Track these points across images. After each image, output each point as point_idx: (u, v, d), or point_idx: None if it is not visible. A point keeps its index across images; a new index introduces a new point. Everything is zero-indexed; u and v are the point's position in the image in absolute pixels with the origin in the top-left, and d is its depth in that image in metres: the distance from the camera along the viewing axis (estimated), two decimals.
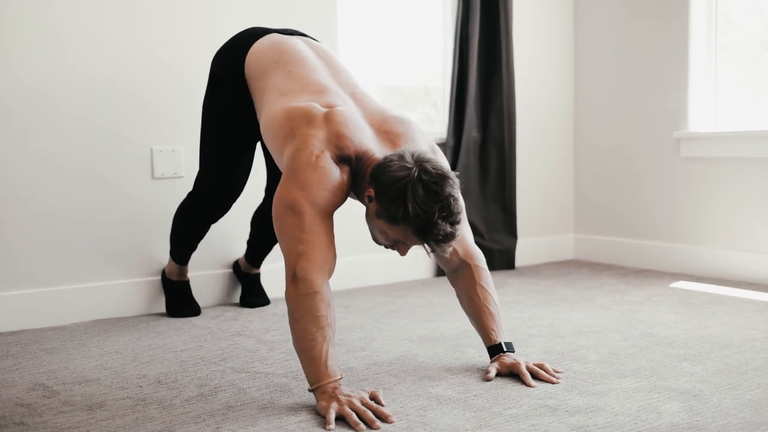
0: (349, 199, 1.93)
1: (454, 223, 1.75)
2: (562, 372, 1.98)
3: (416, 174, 1.72)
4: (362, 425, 1.61)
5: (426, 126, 3.65)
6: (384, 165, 1.78)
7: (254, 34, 2.27)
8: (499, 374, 1.95)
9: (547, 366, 1.96)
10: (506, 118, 3.60)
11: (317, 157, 1.79)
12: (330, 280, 1.83)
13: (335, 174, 1.81)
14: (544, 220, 3.91)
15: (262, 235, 2.72)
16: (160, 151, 2.81)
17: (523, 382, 1.89)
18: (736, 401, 1.75)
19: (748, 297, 2.92)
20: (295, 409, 1.74)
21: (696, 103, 3.44)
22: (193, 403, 1.79)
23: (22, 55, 2.56)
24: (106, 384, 1.95)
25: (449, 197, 1.73)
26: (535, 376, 1.92)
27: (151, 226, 2.80)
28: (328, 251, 1.79)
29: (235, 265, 2.96)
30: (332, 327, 1.76)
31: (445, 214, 1.72)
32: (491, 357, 1.99)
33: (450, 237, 1.75)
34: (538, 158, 3.87)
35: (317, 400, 1.71)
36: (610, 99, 3.80)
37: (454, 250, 1.98)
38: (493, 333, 2.00)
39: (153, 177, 2.81)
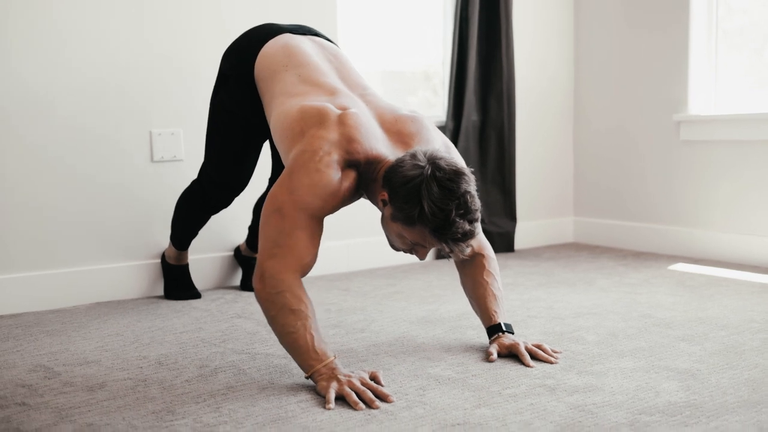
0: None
1: (473, 221, 1.70)
2: (560, 352, 1.99)
3: (429, 172, 1.68)
4: (362, 405, 1.62)
5: (426, 110, 3.65)
6: (396, 166, 1.75)
7: (265, 33, 2.20)
8: (498, 355, 1.96)
9: (546, 346, 1.97)
10: (506, 101, 3.59)
11: (320, 160, 1.75)
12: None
13: (332, 181, 1.76)
14: (543, 203, 3.91)
15: None
16: (159, 134, 2.81)
17: (522, 363, 1.90)
18: (733, 380, 1.76)
19: (746, 279, 2.92)
20: (295, 389, 1.75)
21: (696, 87, 3.43)
22: (193, 384, 1.80)
23: (21, 41, 2.55)
24: (107, 365, 1.96)
25: (466, 194, 1.69)
26: (534, 357, 1.93)
27: (151, 209, 2.81)
28: (305, 255, 1.77)
29: (236, 250, 2.96)
30: (312, 315, 1.75)
31: (462, 211, 1.68)
32: (490, 337, 2.00)
33: (469, 235, 1.71)
34: (537, 141, 3.86)
35: (316, 383, 1.72)
36: (610, 82, 3.79)
37: None
38: (494, 314, 2.01)
39: (152, 160, 2.81)
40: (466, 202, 1.69)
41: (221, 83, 2.30)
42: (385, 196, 1.76)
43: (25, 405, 1.67)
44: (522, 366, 1.89)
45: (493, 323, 2.01)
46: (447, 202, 1.67)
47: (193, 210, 2.54)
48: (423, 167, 1.70)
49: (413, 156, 1.74)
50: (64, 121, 2.64)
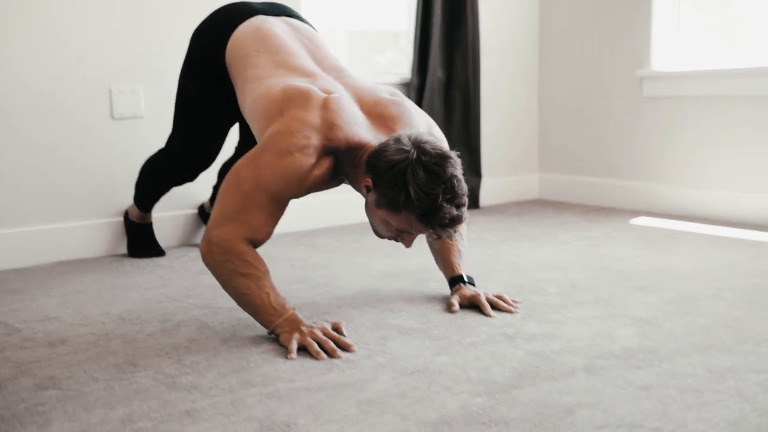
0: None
1: (460, 205, 1.67)
2: (520, 302, 2.02)
3: (415, 156, 1.64)
4: (323, 354, 1.64)
5: (393, 69, 3.63)
6: (380, 150, 1.70)
7: (236, 14, 2.11)
8: (460, 306, 1.98)
9: (506, 297, 2.00)
10: (471, 58, 3.59)
11: (296, 143, 1.70)
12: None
13: (302, 167, 1.71)
14: (508, 160, 3.93)
15: None
16: (119, 90, 2.76)
17: (483, 313, 1.93)
18: (687, 327, 1.80)
19: (703, 231, 2.98)
20: (258, 341, 1.76)
21: (659, 43, 3.46)
22: (155, 338, 1.80)
23: None
24: (68, 321, 1.95)
25: (452, 178, 1.65)
26: (495, 307, 1.96)
27: (113, 167, 2.77)
28: (257, 232, 1.74)
29: (200, 208, 2.95)
30: (263, 275, 1.74)
31: (449, 195, 1.64)
32: (451, 288, 2.03)
33: (457, 220, 1.68)
34: (502, 98, 3.87)
35: (279, 336, 1.73)
36: (574, 39, 3.79)
37: None
38: (457, 267, 2.04)
39: (112, 117, 2.76)
40: (453, 186, 1.65)
41: (191, 66, 2.22)
42: (369, 182, 1.72)
43: None
44: (483, 316, 1.92)
45: (455, 275, 2.03)
46: (433, 187, 1.63)
47: (158, 180, 2.52)
48: (408, 151, 1.65)
49: (397, 140, 1.69)
50: (20, 79, 2.58)
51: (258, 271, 1.74)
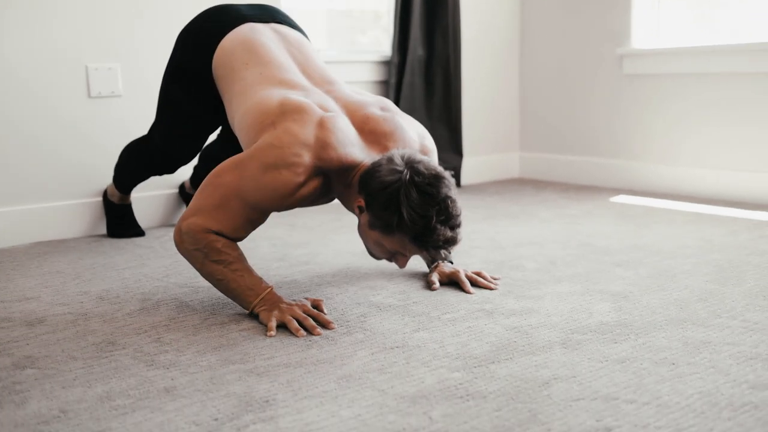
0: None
1: (455, 226, 1.64)
2: (499, 278, 2.03)
3: (408, 176, 1.60)
4: (303, 331, 1.64)
5: (376, 48, 3.61)
6: (372, 171, 1.66)
7: (224, 21, 2.03)
8: (439, 283, 1.99)
9: (485, 273, 2.02)
10: (451, 36, 3.57)
11: (286, 159, 1.65)
12: None
13: (288, 185, 1.66)
14: (489, 138, 3.94)
15: (209, 167, 2.68)
16: (96, 69, 2.73)
17: (462, 290, 1.94)
18: (663, 301, 1.83)
19: (682, 209, 3.01)
20: (237, 319, 1.76)
21: (639, 20, 3.46)
22: (135, 317, 1.80)
23: None
24: (47, 301, 1.94)
25: (446, 199, 1.62)
26: (474, 284, 1.97)
27: (91, 146, 2.74)
28: (231, 232, 1.71)
29: (181, 187, 2.93)
30: (237, 259, 1.73)
31: (443, 217, 1.61)
32: (429, 266, 2.03)
33: (451, 242, 1.64)
34: (483, 77, 3.87)
35: (258, 315, 1.73)
36: (554, 16, 3.79)
37: None
38: None
39: (89, 96, 2.73)
40: (447, 207, 1.62)
41: (177, 71, 2.13)
42: (362, 203, 1.68)
43: None
44: (462, 293, 1.93)
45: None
46: (427, 208, 1.59)
47: (138, 167, 2.49)
48: (401, 172, 1.61)
49: (390, 160, 1.65)
50: None
51: (229, 257, 1.73)
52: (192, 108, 2.15)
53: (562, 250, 2.37)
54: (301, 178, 1.68)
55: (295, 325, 1.66)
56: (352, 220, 2.93)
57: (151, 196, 2.87)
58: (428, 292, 1.94)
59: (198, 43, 2.05)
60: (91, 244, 2.61)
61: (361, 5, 3.58)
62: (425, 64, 3.59)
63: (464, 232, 2.58)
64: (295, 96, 1.79)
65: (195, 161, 2.80)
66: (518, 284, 2.00)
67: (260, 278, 1.77)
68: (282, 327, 1.68)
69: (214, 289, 2.00)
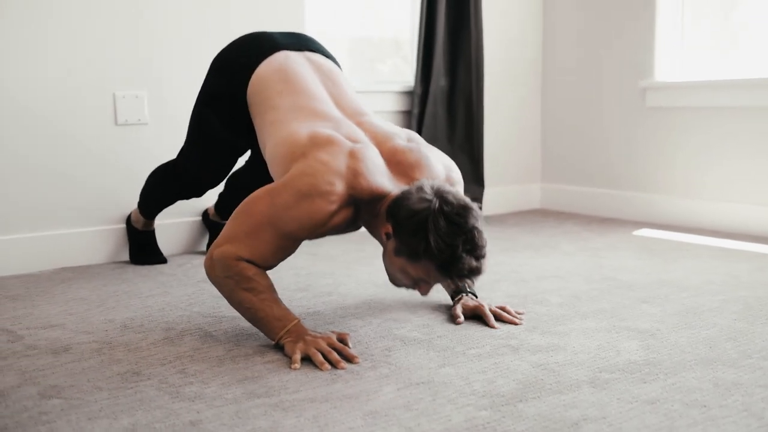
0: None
1: (480, 257, 1.65)
2: (524, 313, 2.02)
3: (437, 205, 1.62)
4: (327, 365, 1.64)
5: (396, 78, 3.64)
6: (401, 198, 1.68)
7: (258, 50, 2.07)
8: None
9: (510, 308, 2.00)
10: (474, 67, 3.59)
11: (319, 188, 1.68)
12: None
13: (321, 213, 1.69)
14: (511, 169, 3.94)
15: (234, 195, 2.69)
16: (123, 96, 2.76)
17: (487, 324, 1.93)
18: (691, 339, 1.80)
19: (707, 243, 2.98)
20: (262, 351, 1.76)
21: (662, 53, 3.46)
22: (159, 346, 1.80)
23: None
24: (72, 329, 1.94)
25: (473, 229, 1.63)
26: (499, 318, 1.96)
27: (116, 173, 2.77)
28: (262, 260, 1.74)
29: (204, 214, 2.94)
30: (266, 289, 1.75)
31: (469, 247, 1.62)
32: (453, 299, 2.03)
33: (476, 272, 1.65)
34: (505, 107, 3.87)
35: (284, 345, 1.73)
36: (577, 48, 3.80)
37: None
38: None
39: (116, 123, 2.76)
40: (473, 237, 1.63)
41: (208, 99, 2.17)
42: (390, 229, 1.69)
43: None
44: (486, 327, 1.92)
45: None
46: (454, 237, 1.61)
47: (166, 192, 2.52)
48: (430, 201, 1.63)
49: (420, 189, 1.67)
50: (25, 84, 2.58)
51: (260, 285, 1.74)
52: (224, 132, 2.17)
53: (586, 284, 2.35)
54: (334, 207, 1.70)
55: (320, 358, 1.65)
56: (374, 250, 2.92)
57: (174, 223, 2.89)
58: (453, 326, 1.93)
59: (233, 70, 2.08)
60: (115, 270, 2.63)
61: (382, 33, 3.61)
62: (448, 94, 3.60)
63: (488, 264, 2.58)
64: (323, 129, 1.81)
65: (221, 187, 2.82)
66: (543, 319, 1.98)
67: (288, 309, 1.77)
68: (307, 360, 1.67)
69: (238, 319, 2.00)
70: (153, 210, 2.63)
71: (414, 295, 2.24)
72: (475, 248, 1.63)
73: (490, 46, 3.73)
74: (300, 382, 1.55)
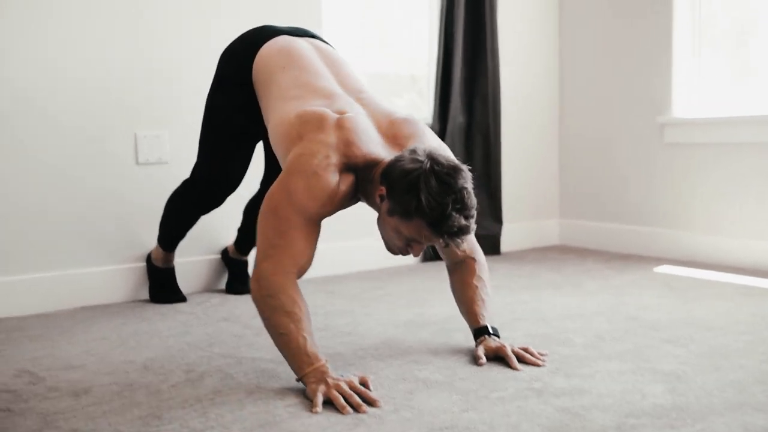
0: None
1: (469, 216, 1.73)
2: (546, 354, 1.99)
3: (428, 165, 1.71)
4: (349, 408, 1.62)
5: (413, 113, 3.65)
6: (395, 161, 1.77)
7: (262, 36, 2.22)
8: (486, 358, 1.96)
9: (532, 349, 1.98)
10: (491, 103, 3.60)
11: (318, 163, 1.78)
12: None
13: (330, 184, 1.79)
14: (529, 205, 3.92)
15: (254, 224, 2.70)
16: (144, 136, 2.79)
17: (509, 366, 1.90)
18: (718, 382, 1.77)
19: (731, 281, 2.95)
20: (283, 393, 1.74)
21: (680, 89, 3.46)
22: (180, 389, 1.79)
23: (8, 42, 2.53)
24: (92, 370, 1.94)
25: (462, 189, 1.71)
26: (521, 360, 1.93)
27: (136, 212, 2.79)
28: (301, 255, 1.80)
29: (224, 252, 2.95)
30: (305, 318, 1.77)
31: (459, 206, 1.70)
32: (476, 339, 2.01)
33: (465, 231, 1.73)
34: (523, 144, 3.88)
35: (306, 385, 1.71)
36: (594, 85, 3.81)
37: None
38: (481, 317, 2.02)
39: (137, 163, 2.79)
40: (462, 197, 1.71)
41: (219, 87, 2.31)
42: (383, 191, 1.78)
43: (10, 411, 1.65)
44: (509, 369, 1.89)
45: (479, 326, 2.01)
46: (444, 196, 1.69)
47: (184, 208, 2.53)
48: (422, 162, 1.72)
49: (412, 151, 1.76)
50: (48, 123, 2.62)
51: (300, 312, 1.76)
52: (233, 113, 2.28)
53: (609, 324, 2.32)
54: (336, 176, 1.80)
55: (341, 402, 1.63)
56: (393, 288, 2.91)
57: (193, 261, 2.90)
58: (474, 368, 1.91)
59: (238, 56, 2.23)
60: (135, 309, 2.63)
61: (398, 69, 3.64)
62: (465, 131, 3.61)
63: (505, 301, 2.56)
64: (311, 106, 1.91)
65: (238, 223, 2.82)
66: (567, 361, 1.96)
67: (318, 347, 1.76)
68: (328, 402, 1.66)
69: (258, 360, 1.99)
70: (173, 238, 2.63)
71: (435, 335, 2.22)
72: (464, 207, 1.71)
73: (506, 82, 3.75)
74: (321, 427, 1.54)
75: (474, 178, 3.75)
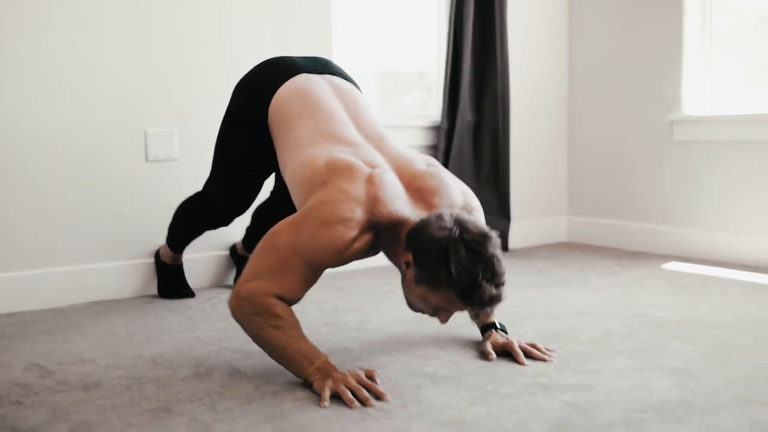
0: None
1: (499, 284, 1.67)
2: (554, 350, 1.99)
3: (457, 234, 1.65)
4: (357, 403, 1.63)
5: (420, 110, 3.66)
6: (422, 227, 1.70)
7: (279, 72, 2.12)
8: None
9: (540, 345, 1.98)
10: (500, 101, 3.60)
11: (339, 215, 1.70)
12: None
13: (343, 240, 1.71)
14: (537, 202, 3.92)
15: (261, 229, 2.71)
16: (154, 133, 2.81)
17: (516, 361, 1.91)
18: (726, 379, 1.77)
19: (738, 278, 2.94)
20: (291, 387, 1.75)
21: (690, 87, 3.45)
22: (188, 383, 1.80)
23: (18, 38, 2.55)
24: (102, 364, 1.96)
25: (493, 257, 1.66)
26: (528, 355, 1.94)
27: (146, 208, 2.81)
28: (288, 293, 1.75)
29: (232, 249, 2.97)
30: (294, 326, 1.75)
31: (489, 275, 1.64)
32: (483, 335, 2.01)
33: (495, 300, 1.68)
34: (531, 141, 3.87)
35: (313, 383, 1.72)
36: (604, 82, 3.80)
37: None
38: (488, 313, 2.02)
39: (147, 160, 2.81)
40: (493, 265, 1.65)
41: (233, 120, 2.22)
42: (410, 258, 1.71)
43: (20, 404, 1.67)
44: (516, 364, 1.90)
45: (486, 321, 2.02)
46: (474, 266, 1.63)
47: (193, 223, 2.55)
48: (450, 229, 1.65)
49: (439, 217, 1.69)
50: (57, 121, 2.64)
51: (287, 323, 1.74)
52: (247, 152, 2.21)
53: (616, 320, 2.32)
54: (354, 233, 1.72)
55: (349, 396, 1.64)
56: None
57: (202, 257, 2.91)
58: (482, 363, 1.91)
59: (255, 92, 2.13)
60: (144, 304, 2.65)
61: (405, 66, 3.64)
62: (474, 129, 3.61)
63: (513, 298, 2.56)
64: (340, 154, 1.84)
65: (247, 223, 2.84)
66: (574, 357, 1.96)
67: (315, 346, 1.77)
68: (335, 397, 1.67)
69: (266, 355, 1.99)
70: (181, 243, 2.65)
71: (442, 331, 2.23)
72: (494, 276, 1.66)
73: (515, 80, 3.75)
74: (329, 421, 1.55)
75: (482, 175, 3.75)
